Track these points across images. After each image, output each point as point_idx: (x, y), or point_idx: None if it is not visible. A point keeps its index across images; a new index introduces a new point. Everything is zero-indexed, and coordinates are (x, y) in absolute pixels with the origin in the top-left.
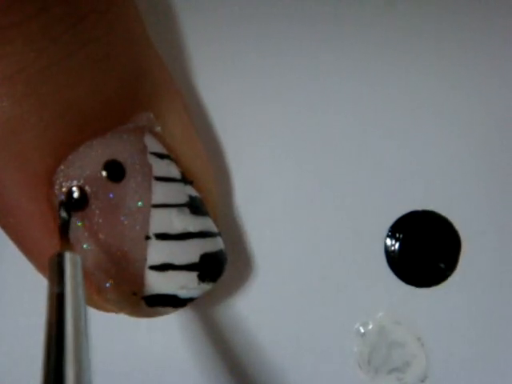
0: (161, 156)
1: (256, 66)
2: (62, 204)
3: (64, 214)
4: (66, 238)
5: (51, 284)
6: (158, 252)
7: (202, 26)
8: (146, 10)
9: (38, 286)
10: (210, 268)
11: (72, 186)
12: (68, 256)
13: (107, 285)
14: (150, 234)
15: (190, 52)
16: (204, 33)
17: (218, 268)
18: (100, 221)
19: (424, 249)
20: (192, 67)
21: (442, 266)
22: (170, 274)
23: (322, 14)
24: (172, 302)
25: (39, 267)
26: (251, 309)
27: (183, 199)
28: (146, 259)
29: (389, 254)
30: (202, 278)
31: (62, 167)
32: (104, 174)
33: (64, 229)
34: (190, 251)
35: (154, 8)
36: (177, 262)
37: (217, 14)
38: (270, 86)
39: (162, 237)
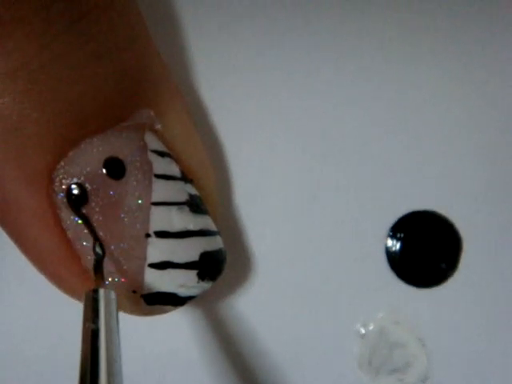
0: (161, 154)
1: (256, 66)
2: (97, 240)
3: (98, 250)
4: (100, 275)
5: (86, 320)
6: (157, 250)
7: (203, 25)
8: (147, 8)
9: (38, 285)
10: (209, 266)
11: (72, 183)
12: (102, 293)
13: (106, 282)
14: (150, 232)
15: (191, 51)
16: (204, 32)
17: (218, 267)
18: (100, 218)
19: (425, 249)
20: (192, 66)
21: (443, 266)
22: (170, 272)
23: (322, 13)
24: (171, 300)
25: (38, 265)
26: (251, 308)
27: (183, 197)
28: (145, 257)
29: (390, 255)
30: (201, 277)
31: (62, 164)
32: (104, 171)
33: (98, 264)
34: (189, 249)
35: (155, 7)
36: (176, 260)
37: (217, 14)
38: (271, 85)
39: (162, 235)
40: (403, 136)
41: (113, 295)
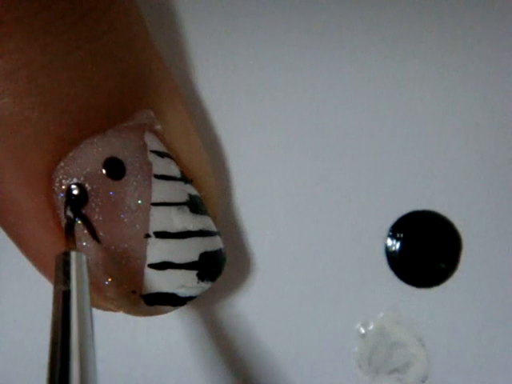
0: (161, 154)
1: (256, 66)
2: (68, 203)
3: (70, 214)
4: (71, 237)
5: (57, 282)
6: (157, 250)
7: (202, 25)
8: (147, 9)
9: (38, 285)
10: (209, 267)
11: (72, 184)
12: (74, 255)
13: (106, 283)
14: (150, 233)
15: (191, 52)
16: (204, 33)
17: (217, 267)
18: (100, 218)
19: (425, 249)
20: (192, 67)
21: (443, 266)
22: (170, 272)
23: (322, 13)
24: (171, 300)
25: (38, 265)
26: (251, 308)
27: (183, 198)
28: (145, 257)
29: (389, 254)
30: (201, 277)
31: (62, 164)
32: (104, 171)
33: (70, 228)
34: (189, 250)
35: (154, 7)
36: (176, 260)
37: (217, 14)
38: (271, 85)
39: (162, 235)
40: (403, 136)
41: (84, 257)
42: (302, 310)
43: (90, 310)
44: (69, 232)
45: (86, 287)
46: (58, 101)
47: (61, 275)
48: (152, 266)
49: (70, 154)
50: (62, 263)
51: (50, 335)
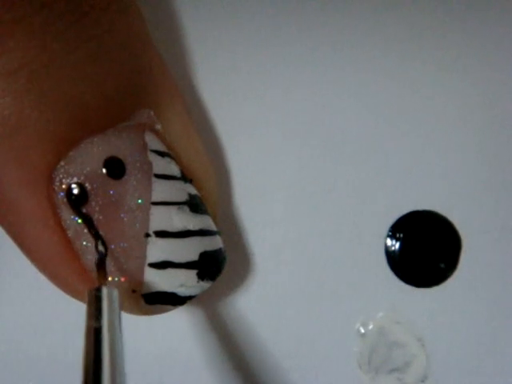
0: (161, 154)
1: (256, 66)
2: (99, 238)
3: (101, 249)
4: (103, 272)
5: (89, 318)
6: (157, 250)
7: (202, 25)
8: (146, 8)
9: (39, 285)
10: (209, 266)
11: (72, 183)
12: (105, 291)
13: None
14: (150, 232)
15: (190, 52)
16: (204, 33)
17: (217, 266)
18: (100, 218)
19: (424, 249)
20: (192, 67)
21: (443, 266)
22: (170, 271)
23: (323, 13)
24: (171, 299)
25: (38, 265)
26: (251, 308)
27: (183, 197)
28: (145, 257)
29: (389, 254)
30: (201, 277)
31: (62, 163)
32: (104, 170)
33: (101, 263)
34: (189, 249)
35: (154, 7)
36: (176, 259)
37: (217, 14)
38: (271, 85)
39: (162, 234)
40: (403, 136)
41: (116, 293)
42: (301, 310)
43: (122, 346)
44: (100, 267)
45: (117, 323)
46: (58, 100)
47: (93, 311)
48: (152, 265)
49: (71, 154)
50: (94, 299)
51: (82, 372)
